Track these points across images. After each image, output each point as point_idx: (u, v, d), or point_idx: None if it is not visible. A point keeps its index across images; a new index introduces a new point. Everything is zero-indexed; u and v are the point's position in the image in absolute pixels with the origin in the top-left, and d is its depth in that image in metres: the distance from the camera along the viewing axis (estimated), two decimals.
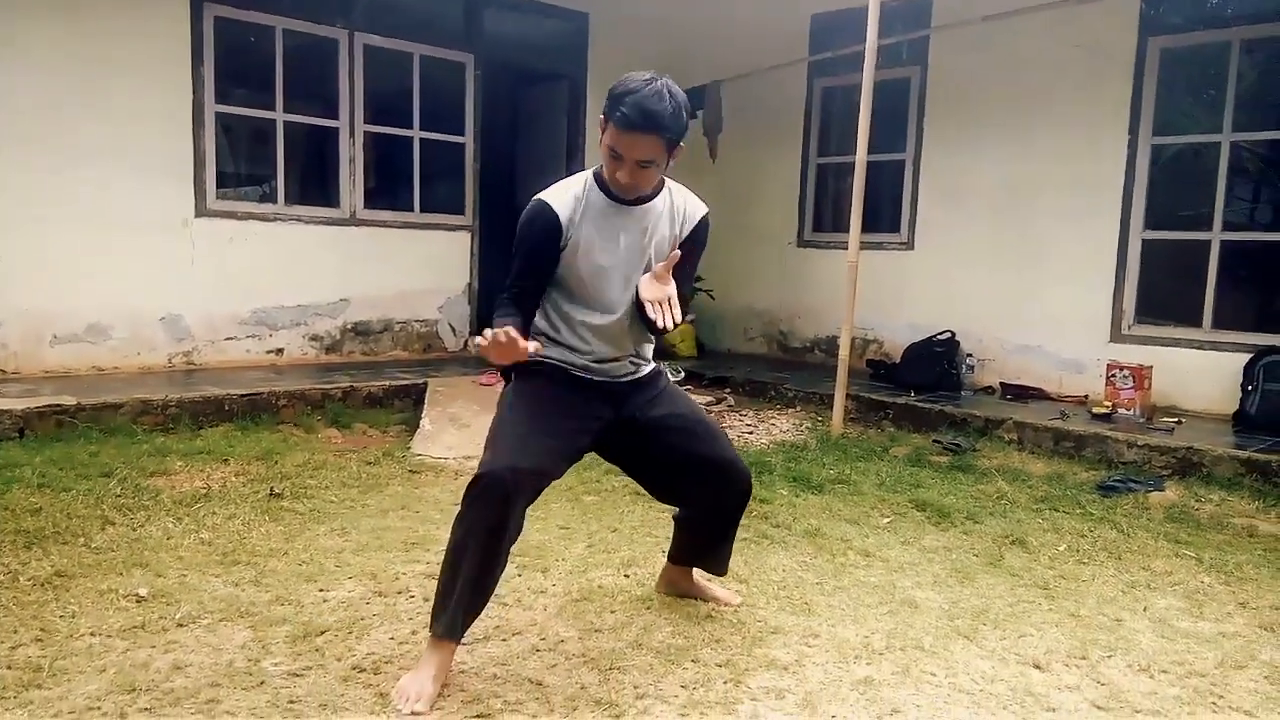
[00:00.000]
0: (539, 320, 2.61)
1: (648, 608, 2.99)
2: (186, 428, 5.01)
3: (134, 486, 3.97)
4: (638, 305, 2.49)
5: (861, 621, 2.96)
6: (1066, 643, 2.88)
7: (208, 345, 6.32)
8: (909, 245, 7.27)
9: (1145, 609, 3.21)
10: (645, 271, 2.54)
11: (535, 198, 2.52)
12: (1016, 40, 6.47)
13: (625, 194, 2.48)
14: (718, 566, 3.02)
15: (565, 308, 2.57)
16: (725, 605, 3.02)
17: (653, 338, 2.72)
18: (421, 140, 7.33)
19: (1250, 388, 5.43)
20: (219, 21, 6.23)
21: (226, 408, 5.25)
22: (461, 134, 7.55)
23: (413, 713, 2.25)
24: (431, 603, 2.46)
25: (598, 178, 2.53)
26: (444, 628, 2.38)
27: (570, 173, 9.05)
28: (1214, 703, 2.55)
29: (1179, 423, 5.42)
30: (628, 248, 2.53)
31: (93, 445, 4.51)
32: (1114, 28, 6.10)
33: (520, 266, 2.52)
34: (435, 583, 3.02)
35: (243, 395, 5.34)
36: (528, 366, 2.53)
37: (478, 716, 2.27)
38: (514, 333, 2.21)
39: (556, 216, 2.46)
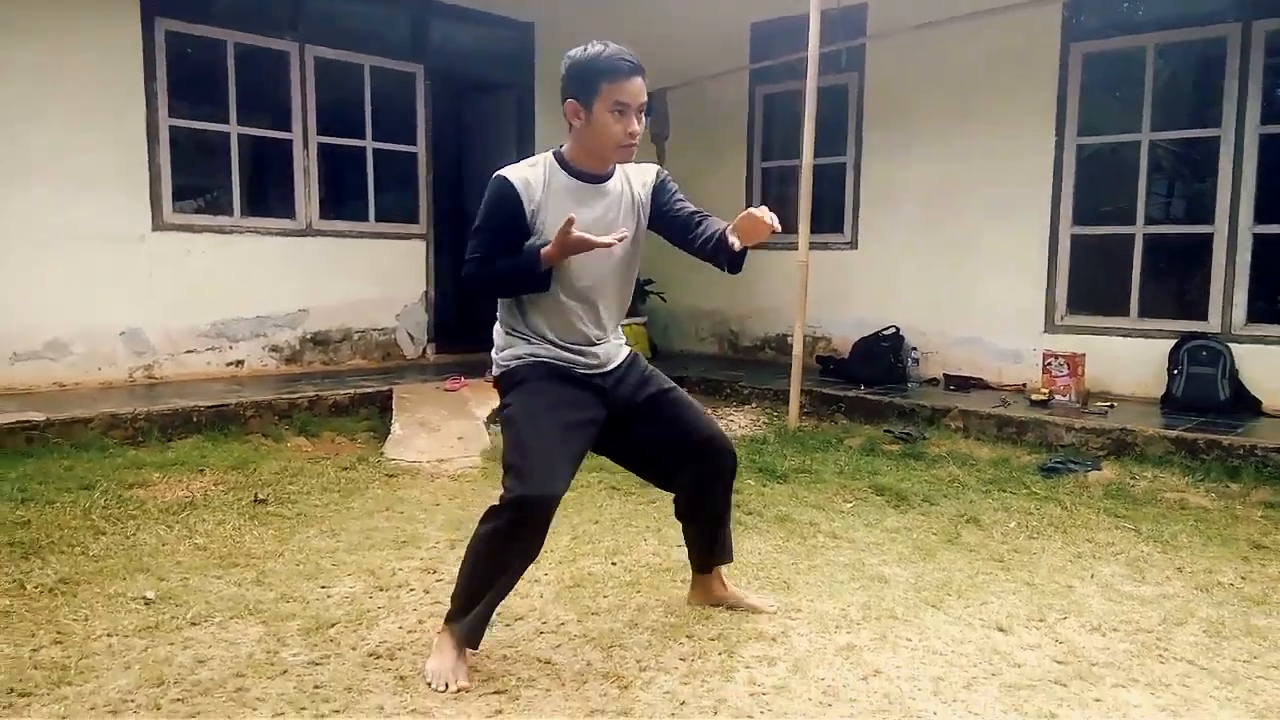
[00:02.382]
0: (521, 323, 2.64)
1: (638, 591, 3.17)
2: (157, 440, 5.03)
3: (117, 497, 4.02)
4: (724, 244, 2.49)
5: (837, 596, 3.18)
6: (1025, 608, 3.13)
7: (168, 359, 6.33)
8: (853, 245, 7.56)
9: (1092, 576, 3.48)
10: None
11: (495, 174, 2.56)
12: (948, 47, 6.79)
13: (628, 152, 2.57)
14: (726, 553, 3.03)
15: (549, 299, 2.59)
16: (764, 612, 2.99)
17: (623, 319, 2.82)
18: (374, 150, 7.40)
19: (1175, 372, 5.81)
20: (170, 35, 6.25)
21: (195, 420, 5.29)
22: (413, 144, 7.64)
23: (460, 689, 2.39)
24: (453, 601, 2.56)
25: (559, 158, 2.61)
26: (468, 632, 2.51)
27: None
28: (1160, 655, 2.81)
29: (1112, 406, 5.77)
30: (597, 221, 2.56)
31: (66, 459, 4.53)
32: (1039, 34, 6.46)
33: (483, 239, 2.55)
34: (432, 576, 3.18)
35: (210, 407, 5.38)
36: (521, 373, 2.61)
37: (496, 693, 2.42)
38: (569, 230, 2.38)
39: (513, 186, 2.52)
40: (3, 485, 4.02)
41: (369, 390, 6.08)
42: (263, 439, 5.30)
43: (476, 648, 2.56)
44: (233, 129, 6.66)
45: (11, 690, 2.35)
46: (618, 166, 2.69)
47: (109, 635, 2.70)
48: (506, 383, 2.67)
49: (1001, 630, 2.94)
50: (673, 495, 2.99)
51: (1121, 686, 2.58)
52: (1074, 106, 6.45)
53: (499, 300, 2.71)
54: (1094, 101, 6.51)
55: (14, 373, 5.70)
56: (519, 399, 2.61)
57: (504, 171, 2.57)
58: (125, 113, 6.08)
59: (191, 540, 3.57)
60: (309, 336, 7.03)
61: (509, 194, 2.53)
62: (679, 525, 3.02)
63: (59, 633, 2.71)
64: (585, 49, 2.56)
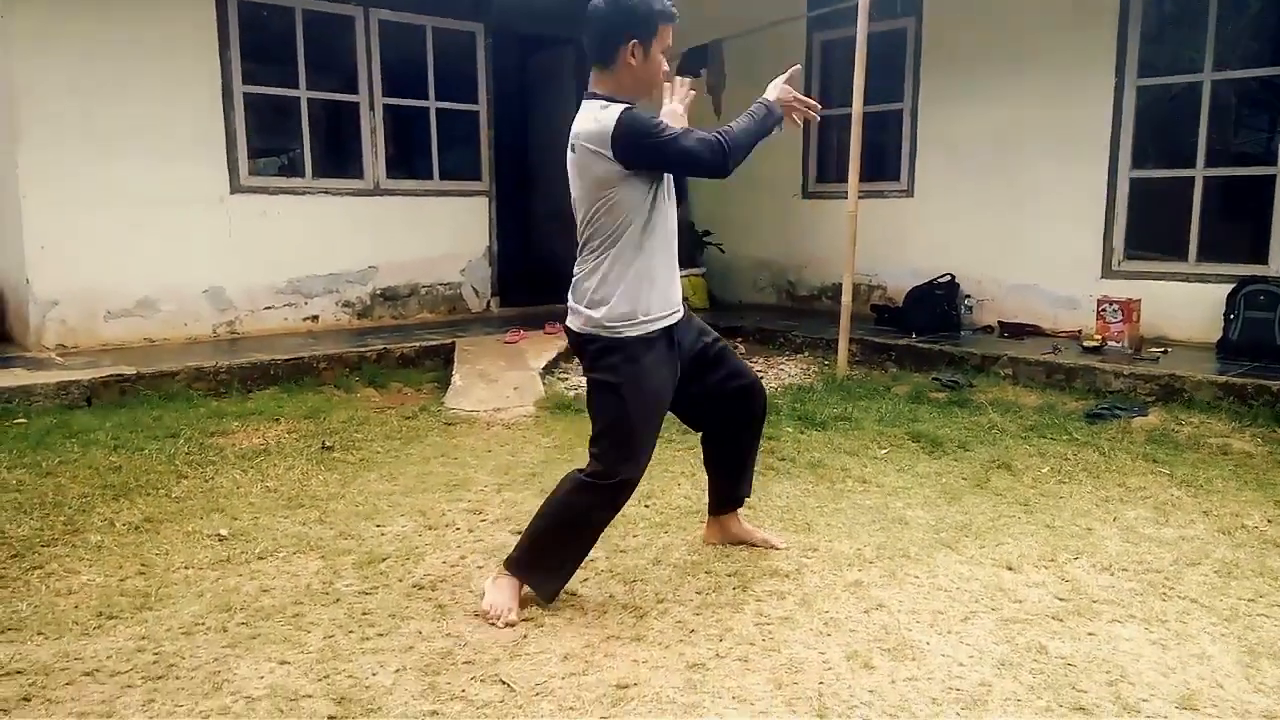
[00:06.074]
0: (629, 272, 2.65)
1: (665, 531, 3.38)
2: (237, 391, 5.42)
3: (199, 445, 4.39)
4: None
5: (855, 537, 3.34)
6: (1039, 549, 3.25)
7: (248, 315, 6.73)
8: (909, 193, 7.55)
9: (1115, 519, 3.56)
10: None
11: (624, 111, 2.55)
12: None
13: (661, 91, 2.79)
14: (747, 487, 3.20)
15: (647, 239, 2.66)
16: (773, 548, 3.21)
17: None
18: (438, 110, 7.65)
19: (1232, 316, 5.74)
20: (242, 5, 6.55)
21: (272, 372, 5.67)
22: (475, 102, 7.86)
23: (511, 624, 2.63)
24: (527, 554, 2.76)
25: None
26: (548, 593, 2.75)
27: None
28: (1164, 593, 2.91)
29: (1165, 352, 5.73)
30: None
31: (154, 410, 4.93)
32: None
33: (682, 129, 2.64)
34: (477, 517, 3.43)
35: (286, 360, 5.75)
36: (632, 348, 2.66)
37: (524, 621, 2.67)
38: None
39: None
40: (98, 434, 4.42)
41: (434, 343, 6.38)
42: (334, 390, 5.65)
43: (553, 601, 2.77)
44: (302, 93, 6.97)
45: (101, 614, 2.68)
46: None
47: (186, 567, 3.03)
48: (616, 351, 2.67)
49: (1010, 569, 3.07)
50: (702, 439, 3.18)
51: (1118, 622, 2.70)
52: (1134, 48, 6.30)
53: (591, 253, 2.69)
54: (1155, 42, 6.35)
55: (107, 329, 6.16)
56: (632, 380, 2.66)
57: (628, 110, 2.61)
58: (203, 81, 6.43)
59: (263, 483, 3.91)
60: (379, 292, 7.37)
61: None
62: None
63: (143, 565, 3.05)
64: None
